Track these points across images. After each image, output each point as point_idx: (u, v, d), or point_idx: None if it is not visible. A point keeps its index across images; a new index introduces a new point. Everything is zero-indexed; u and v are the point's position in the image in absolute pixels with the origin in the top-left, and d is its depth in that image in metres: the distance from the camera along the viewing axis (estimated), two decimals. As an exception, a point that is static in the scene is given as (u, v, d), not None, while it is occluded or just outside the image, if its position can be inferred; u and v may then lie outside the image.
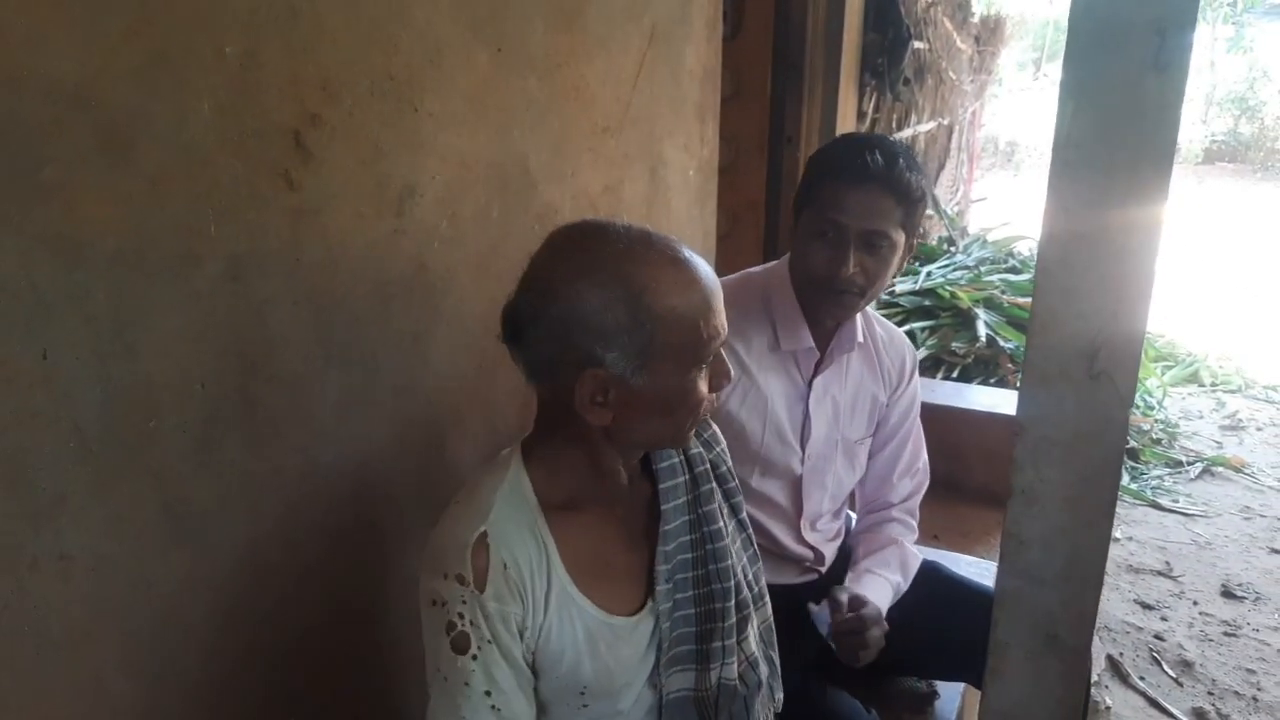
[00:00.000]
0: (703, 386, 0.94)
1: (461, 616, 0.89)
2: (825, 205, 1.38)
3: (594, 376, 0.89)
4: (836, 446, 1.56)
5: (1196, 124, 14.75)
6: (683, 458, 1.08)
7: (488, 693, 0.90)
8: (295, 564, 1.04)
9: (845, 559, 1.63)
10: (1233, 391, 4.87)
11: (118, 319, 0.80)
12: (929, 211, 5.55)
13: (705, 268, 0.94)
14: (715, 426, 1.17)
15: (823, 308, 1.45)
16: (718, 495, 1.10)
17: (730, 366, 0.99)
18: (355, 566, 1.14)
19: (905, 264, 1.47)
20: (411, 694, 1.28)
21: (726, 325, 0.95)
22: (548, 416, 0.99)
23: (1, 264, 0.70)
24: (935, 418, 1.89)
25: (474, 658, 0.89)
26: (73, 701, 0.82)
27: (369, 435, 1.11)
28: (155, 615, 0.88)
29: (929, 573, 1.62)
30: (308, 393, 1.01)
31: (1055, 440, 0.70)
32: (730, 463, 1.16)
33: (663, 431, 0.97)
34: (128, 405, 0.82)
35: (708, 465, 1.10)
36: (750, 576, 1.13)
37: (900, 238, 1.39)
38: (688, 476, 1.08)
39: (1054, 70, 14.50)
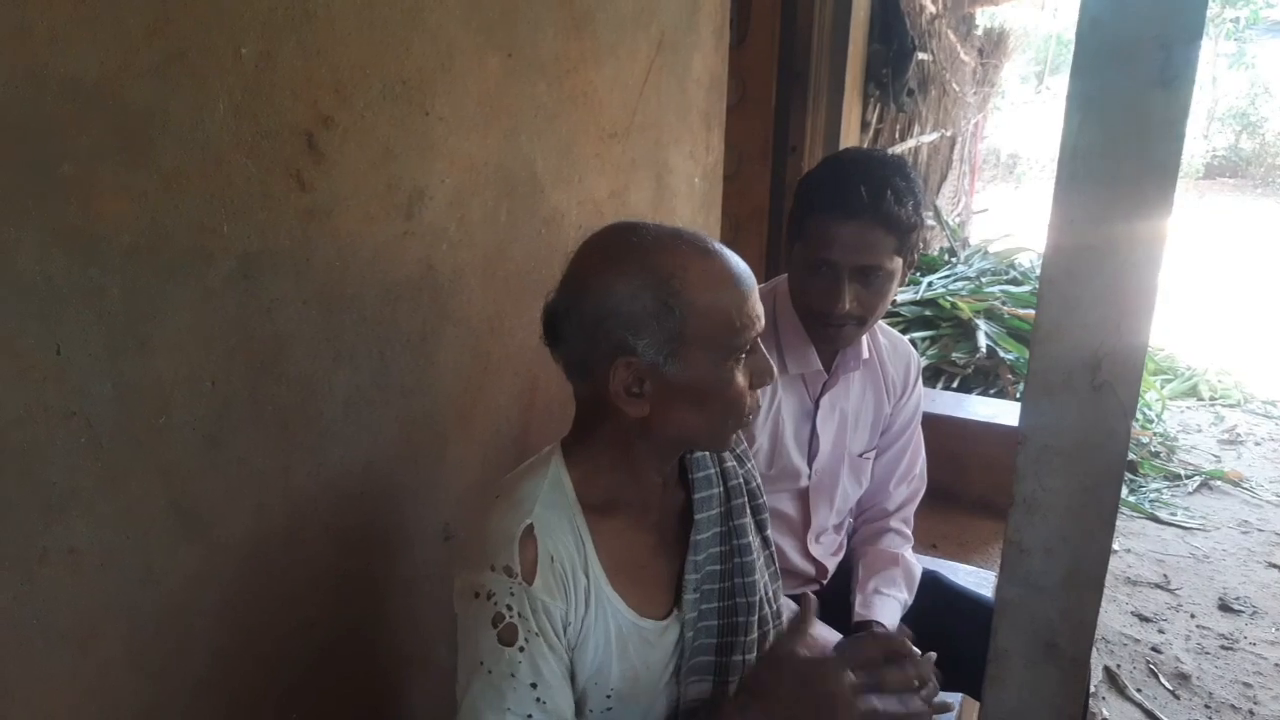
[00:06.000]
0: (740, 379, 0.93)
1: (510, 608, 0.88)
2: (815, 242, 1.35)
3: (627, 365, 0.90)
4: (843, 461, 1.57)
5: (1198, 139, 14.78)
6: (718, 470, 1.08)
7: (533, 685, 0.89)
8: (301, 561, 1.05)
9: (845, 572, 1.64)
10: (1232, 406, 4.88)
11: (130, 315, 0.81)
12: (930, 222, 5.57)
13: (738, 260, 0.94)
14: (745, 444, 1.17)
15: (823, 337, 1.45)
16: (748, 510, 1.10)
17: (773, 366, 0.97)
18: (360, 565, 1.15)
19: (906, 281, 1.46)
20: (415, 691, 1.28)
21: (762, 317, 0.94)
22: (586, 416, 0.99)
23: (18, 258, 0.71)
24: (935, 428, 1.89)
25: (521, 649, 0.88)
26: (78, 694, 0.82)
27: (376, 434, 1.12)
28: (162, 610, 0.88)
29: (928, 582, 1.63)
30: (316, 391, 1.02)
31: (1057, 450, 0.70)
32: (759, 480, 1.15)
33: (701, 428, 0.95)
34: (138, 401, 0.83)
35: (741, 480, 1.10)
36: (771, 594, 1.13)
37: (896, 264, 1.37)
38: (722, 489, 1.08)
39: (1056, 83, 14.56)
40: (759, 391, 0.99)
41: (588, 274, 0.92)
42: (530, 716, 0.89)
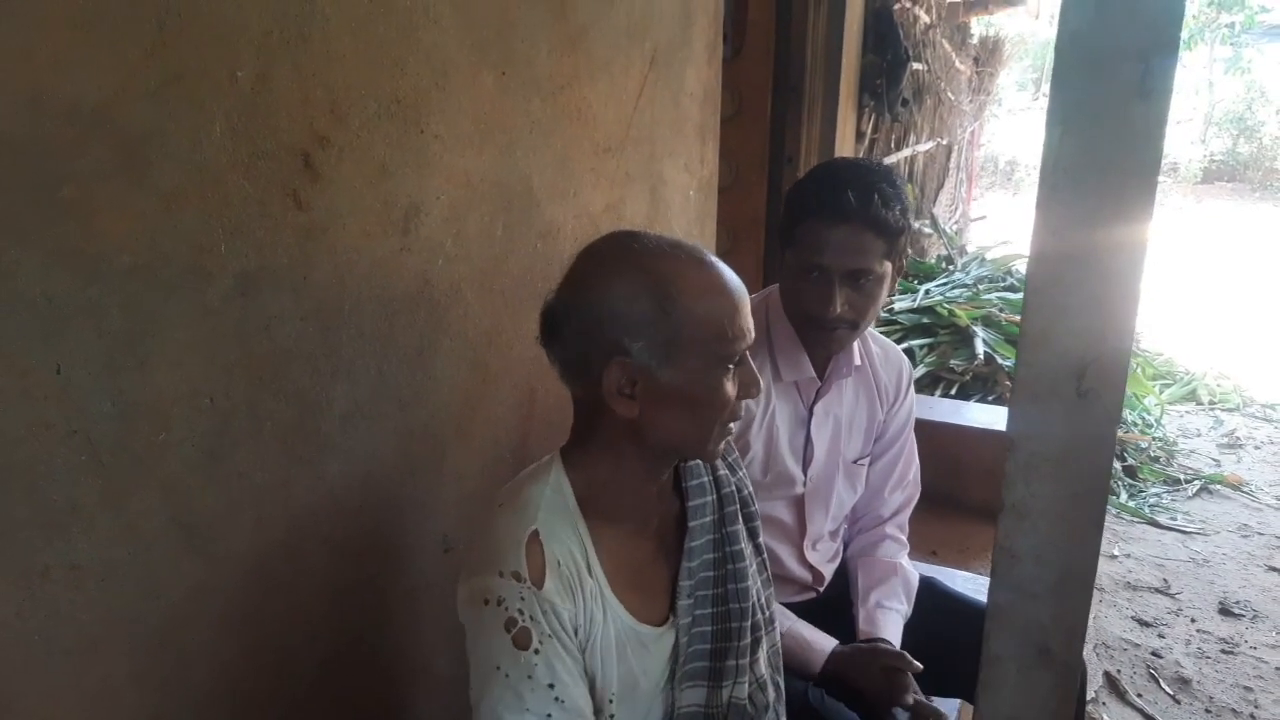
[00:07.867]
0: (729, 388, 0.95)
1: (521, 613, 0.90)
2: (806, 247, 1.38)
3: (621, 366, 0.92)
4: (837, 467, 1.58)
5: (1195, 144, 14.85)
6: (711, 478, 1.10)
7: (551, 685, 0.90)
8: (301, 574, 1.06)
9: (842, 578, 1.64)
10: (1231, 410, 4.88)
11: (130, 333, 0.82)
12: (927, 230, 5.59)
13: (731, 273, 0.97)
14: (736, 453, 1.19)
15: (816, 342, 1.47)
16: (740, 518, 1.11)
17: (760, 379, 0.99)
18: (361, 576, 1.15)
19: (896, 286, 1.48)
20: (417, 700, 1.29)
21: (752, 330, 0.97)
22: (581, 420, 1.01)
23: (20, 278, 0.72)
24: (933, 434, 1.91)
25: (536, 652, 0.90)
26: (82, 709, 0.83)
27: (374, 448, 1.13)
28: (164, 624, 0.89)
29: (926, 588, 1.63)
30: (314, 406, 1.03)
31: (1045, 456, 0.71)
32: (751, 488, 1.17)
33: (689, 433, 0.97)
34: (139, 418, 0.84)
35: (733, 488, 1.12)
36: (764, 600, 1.14)
37: (886, 268, 1.39)
38: (715, 497, 1.09)
39: (1052, 90, 14.57)
40: (746, 403, 1.01)
41: (589, 276, 0.95)
42: (550, 715, 0.90)
